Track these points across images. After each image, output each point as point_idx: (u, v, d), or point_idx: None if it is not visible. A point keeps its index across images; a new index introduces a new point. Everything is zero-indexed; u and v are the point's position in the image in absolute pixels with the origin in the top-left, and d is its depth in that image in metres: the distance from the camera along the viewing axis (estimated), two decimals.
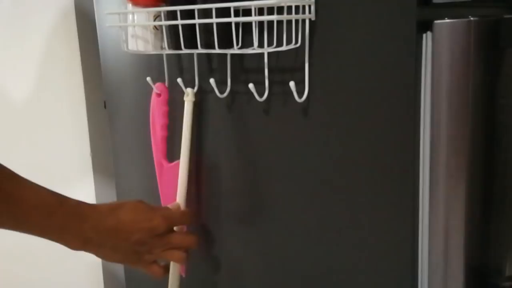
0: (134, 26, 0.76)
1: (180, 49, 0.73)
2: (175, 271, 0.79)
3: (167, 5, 0.74)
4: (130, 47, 0.78)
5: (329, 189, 0.72)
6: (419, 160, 0.66)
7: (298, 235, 0.76)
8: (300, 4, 0.66)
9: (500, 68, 0.64)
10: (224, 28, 0.69)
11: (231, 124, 0.79)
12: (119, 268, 1.12)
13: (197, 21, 0.68)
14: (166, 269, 0.77)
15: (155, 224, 0.70)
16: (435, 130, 0.63)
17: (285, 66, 0.72)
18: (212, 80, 0.75)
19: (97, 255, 0.69)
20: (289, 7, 0.67)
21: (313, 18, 0.67)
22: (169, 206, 0.77)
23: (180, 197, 0.80)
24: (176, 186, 0.84)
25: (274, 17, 0.64)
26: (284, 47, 0.67)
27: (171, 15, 0.74)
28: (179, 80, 0.80)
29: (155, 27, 0.76)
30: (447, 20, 0.60)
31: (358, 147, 0.68)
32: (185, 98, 0.80)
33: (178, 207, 0.78)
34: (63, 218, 0.63)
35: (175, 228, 0.76)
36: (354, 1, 0.65)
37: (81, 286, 1.21)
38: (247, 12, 0.69)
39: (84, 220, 0.65)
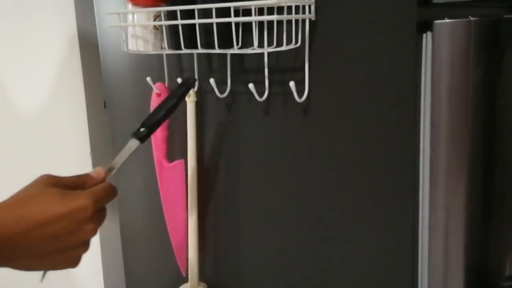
0: (134, 26, 0.76)
1: (180, 49, 0.73)
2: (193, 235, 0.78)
3: (167, 5, 0.74)
4: (130, 47, 0.78)
5: (329, 189, 0.72)
6: (419, 160, 0.66)
7: (298, 235, 0.76)
8: (300, 4, 0.66)
9: (500, 68, 0.64)
10: (224, 28, 0.69)
11: (231, 124, 0.79)
12: (119, 264, 1.12)
13: (197, 21, 0.68)
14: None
15: (77, 207, 0.53)
16: (435, 130, 0.63)
17: (285, 66, 0.72)
18: (212, 80, 0.75)
19: (14, 268, 0.53)
20: (289, 7, 0.67)
21: (313, 18, 0.67)
22: (91, 172, 0.61)
23: (191, 195, 0.81)
24: (176, 186, 0.84)
25: (274, 17, 0.64)
26: (284, 47, 0.67)
27: (171, 15, 0.74)
28: (179, 80, 0.80)
29: (155, 27, 0.76)
30: (447, 20, 0.60)
31: (358, 147, 0.68)
32: (187, 99, 0.80)
33: (102, 174, 0.62)
34: None
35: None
36: (354, 1, 0.65)
37: (81, 274, 1.21)
38: (247, 12, 0.69)
39: None
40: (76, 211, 0.53)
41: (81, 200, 0.53)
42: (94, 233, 0.55)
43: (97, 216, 0.56)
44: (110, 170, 0.62)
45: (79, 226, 0.53)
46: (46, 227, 0.51)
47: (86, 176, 0.60)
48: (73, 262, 0.55)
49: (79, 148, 1.15)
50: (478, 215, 0.66)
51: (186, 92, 0.69)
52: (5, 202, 0.53)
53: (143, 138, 0.63)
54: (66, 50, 1.11)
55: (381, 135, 0.66)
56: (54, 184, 0.55)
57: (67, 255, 0.54)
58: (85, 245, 0.55)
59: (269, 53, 0.71)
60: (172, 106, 0.66)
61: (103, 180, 0.61)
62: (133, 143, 0.63)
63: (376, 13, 0.64)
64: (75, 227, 0.53)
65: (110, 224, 1.19)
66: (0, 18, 1.14)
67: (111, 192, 0.59)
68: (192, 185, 0.82)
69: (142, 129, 0.63)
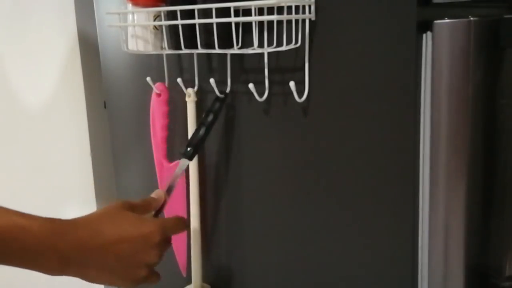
0: (134, 26, 0.76)
1: (180, 49, 0.73)
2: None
3: (167, 5, 0.74)
4: (130, 47, 0.78)
5: (329, 189, 0.72)
6: (419, 160, 0.66)
7: (299, 234, 0.76)
8: (300, 4, 0.66)
9: (500, 68, 0.64)
10: (224, 28, 0.69)
11: (231, 124, 0.79)
12: None
13: (197, 21, 0.68)
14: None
15: (146, 232, 0.60)
16: (435, 130, 0.63)
17: (285, 66, 0.72)
18: (212, 80, 0.75)
19: (82, 277, 0.58)
20: (289, 7, 0.67)
21: (313, 18, 0.67)
22: (153, 195, 0.68)
23: (193, 195, 0.81)
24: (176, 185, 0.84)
25: (274, 17, 0.64)
26: (284, 47, 0.67)
27: (171, 15, 0.74)
28: (179, 80, 0.80)
29: (155, 27, 0.76)
30: (447, 20, 0.60)
31: (358, 147, 0.68)
32: (187, 99, 0.80)
33: (162, 195, 0.68)
34: (35, 239, 0.53)
35: None
36: (354, 1, 0.65)
37: None
38: (247, 12, 0.69)
39: (60, 237, 0.55)
40: (146, 235, 0.60)
41: (153, 227, 0.60)
42: (157, 258, 0.62)
43: (163, 243, 0.62)
44: (168, 191, 0.69)
45: (146, 249, 0.60)
46: (118, 244, 0.58)
47: (150, 199, 0.68)
48: (134, 281, 0.61)
49: (79, 148, 1.15)
50: (478, 215, 0.66)
51: (221, 107, 0.75)
52: (86, 217, 0.60)
53: (191, 156, 0.72)
54: (66, 50, 1.11)
55: (381, 135, 0.66)
56: (128, 207, 0.62)
57: (129, 272, 0.60)
58: (146, 268, 0.61)
59: (269, 53, 0.71)
60: (210, 122, 0.73)
61: (165, 201, 0.68)
62: (184, 163, 0.71)
63: (376, 13, 0.64)
64: (142, 249, 0.60)
65: None
66: (0, 18, 1.14)
67: (180, 225, 0.66)
68: (194, 185, 0.82)
69: (189, 149, 0.72)
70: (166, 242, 0.63)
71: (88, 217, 0.60)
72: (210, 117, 0.73)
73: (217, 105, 0.74)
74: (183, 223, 0.67)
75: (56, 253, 0.55)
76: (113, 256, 0.58)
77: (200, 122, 0.73)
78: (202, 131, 0.72)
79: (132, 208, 0.63)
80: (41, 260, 0.55)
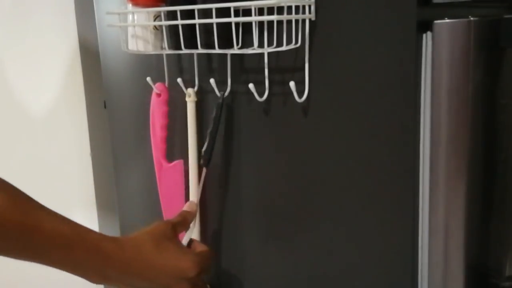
0: (134, 26, 0.76)
1: (180, 49, 0.73)
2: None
3: (167, 5, 0.74)
4: (130, 47, 0.78)
5: (329, 189, 0.72)
6: (419, 160, 0.66)
7: (298, 234, 0.76)
8: (300, 4, 0.66)
9: (500, 68, 0.64)
10: (224, 28, 0.69)
11: (231, 124, 0.79)
12: None
13: (197, 21, 0.68)
14: None
15: (184, 267, 0.65)
16: (435, 130, 0.63)
17: (285, 66, 0.72)
18: (212, 80, 0.75)
19: None
20: (289, 7, 0.67)
21: (313, 18, 0.67)
22: (185, 208, 0.75)
23: (192, 196, 0.81)
24: (175, 186, 0.84)
25: (274, 17, 0.64)
26: (284, 47, 0.67)
27: (171, 15, 0.74)
28: (179, 80, 0.80)
29: (155, 27, 0.76)
30: (447, 20, 0.60)
31: (358, 147, 0.68)
32: (187, 99, 0.80)
33: (194, 206, 0.76)
34: (84, 256, 0.59)
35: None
36: (354, 1, 0.65)
37: None
38: (247, 12, 0.69)
39: (106, 260, 0.60)
40: (183, 269, 0.65)
41: (190, 263, 0.65)
42: None
43: (196, 277, 0.66)
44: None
45: (179, 281, 0.65)
46: (156, 271, 0.63)
47: (185, 213, 0.74)
48: None
49: (79, 148, 1.15)
50: (478, 215, 0.66)
51: (220, 113, 0.77)
52: (133, 237, 0.65)
53: (208, 163, 0.77)
54: (66, 50, 1.11)
55: (381, 135, 0.66)
56: (172, 230, 0.67)
57: None
58: None
59: (269, 53, 0.71)
60: (214, 130, 0.77)
61: (196, 211, 0.76)
62: (204, 171, 0.78)
63: (376, 13, 0.64)
64: (176, 281, 0.65)
65: (110, 224, 1.19)
66: (0, 18, 1.14)
67: (210, 259, 0.71)
68: (194, 185, 0.82)
69: (208, 158, 0.77)
70: (199, 276, 0.67)
71: (135, 238, 0.65)
72: (215, 125, 0.76)
73: (217, 113, 0.76)
74: (211, 257, 0.72)
75: (101, 272, 0.61)
76: (149, 281, 0.63)
77: (208, 132, 0.77)
78: (211, 140, 0.77)
79: (174, 228, 0.68)
80: (87, 273, 0.61)
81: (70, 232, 0.59)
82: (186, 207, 0.76)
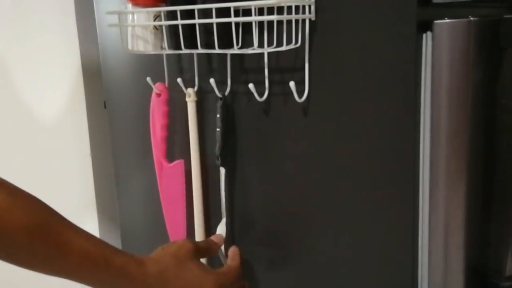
0: (134, 26, 0.76)
1: (180, 49, 0.73)
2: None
3: (167, 5, 0.74)
4: (130, 47, 0.78)
5: (329, 189, 0.72)
6: (419, 160, 0.66)
7: (298, 234, 0.76)
8: (300, 4, 0.66)
9: (500, 68, 0.64)
10: (224, 28, 0.69)
11: (231, 124, 0.79)
12: None
13: (197, 21, 0.68)
14: None
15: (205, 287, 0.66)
16: (435, 130, 0.63)
17: (285, 66, 0.72)
18: (212, 80, 0.75)
19: None
20: (289, 7, 0.67)
21: (313, 18, 0.67)
22: (213, 238, 0.76)
23: (196, 197, 0.82)
24: (175, 186, 0.84)
25: (274, 17, 0.64)
26: (284, 47, 0.67)
27: (171, 15, 0.74)
28: (179, 80, 0.80)
29: (155, 27, 0.76)
30: (447, 20, 0.60)
31: (358, 147, 0.68)
32: (187, 99, 0.80)
33: (222, 240, 0.77)
34: (109, 279, 0.60)
35: None
36: (354, 1, 0.65)
37: None
38: (247, 12, 0.69)
39: (130, 283, 0.62)
40: None
41: (212, 285, 0.66)
42: None
43: None
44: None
45: None
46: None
47: (212, 242, 0.75)
48: None
49: (79, 148, 1.15)
50: (478, 215, 0.66)
51: (225, 113, 0.78)
52: (157, 256, 0.66)
53: (225, 163, 0.79)
54: (66, 50, 1.11)
55: (381, 135, 0.66)
56: (195, 252, 0.68)
57: None
58: None
59: (269, 53, 0.71)
60: (223, 130, 0.78)
61: (221, 244, 0.77)
62: (222, 171, 0.79)
63: (376, 13, 0.64)
64: None
65: (110, 224, 1.19)
66: (0, 18, 1.14)
67: (236, 277, 0.72)
68: (196, 185, 0.82)
69: (219, 159, 0.78)
70: None
71: (160, 261, 0.65)
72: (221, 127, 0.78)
73: (223, 109, 0.77)
74: (241, 279, 0.74)
75: None
76: None
77: (221, 133, 0.78)
78: (219, 142, 0.78)
79: (197, 251, 0.68)
80: None
81: (96, 254, 0.59)
82: (214, 237, 0.76)
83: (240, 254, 0.79)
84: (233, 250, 0.79)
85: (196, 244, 0.69)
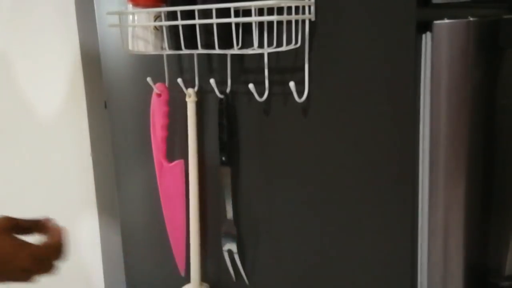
0: (134, 27, 0.76)
1: (180, 49, 0.73)
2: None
3: (167, 6, 0.74)
4: (130, 48, 0.78)
5: (329, 189, 0.72)
6: (418, 160, 0.66)
7: (297, 234, 0.76)
8: (300, 4, 0.66)
9: (499, 68, 0.64)
10: (224, 29, 0.69)
11: (231, 124, 0.79)
12: (119, 264, 1.12)
13: (197, 21, 0.68)
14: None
15: (18, 263, 0.65)
16: (435, 130, 0.63)
17: (285, 66, 0.72)
18: (212, 80, 0.75)
19: None
20: (289, 8, 0.67)
21: (313, 18, 0.68)
22: (44, 219, 0.72)
23: (192, 197, 0.82)
24: (175, 186, 0.84)
25: (274, 18, 0.64)
26: (284, 47, 0.67)
27: (172, 16, 0.74)
28: (179, 80, 0.80)
29: (155, 27, 0.76)
30: (446, 21, 0.61)
31: (358, 147, 0.68)
32: (187, 99, 0.80)
33: (57, 232, 0.71)
34: None
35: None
36: (354, 1, 0.65)
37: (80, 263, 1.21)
38: (247, 12, 0.70)
39: None
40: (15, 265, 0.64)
41: (26, 257, 0.65)
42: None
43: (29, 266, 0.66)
44: None
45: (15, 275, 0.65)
46: None
47: (38, 221, 0.72)
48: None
49: (80, 149, 1.15)
50: (477, 215, 0.66)
51: (227, 114, 0.79)
52: None
53: (231, 162, 0.80)
54: (66, 50, 1.11)
55: (380, 135, 0.66)
56: (11, 230, 0.67)
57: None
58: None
59: (269, 53, 0.71)
60: (224, 130, 0.79)
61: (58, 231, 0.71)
62: (227, 170, 0.80)
63: (375, 13, 0.64)
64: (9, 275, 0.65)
65: (110, 224, 1.19)
66: (0, 18, 1.14)
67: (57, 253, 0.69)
68: (194, 185, 0.82)
69: (223, 158, 0.79)
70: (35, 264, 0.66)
71: None
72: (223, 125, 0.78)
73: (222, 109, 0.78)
74: (62, 250, 0.70)
75: None
76: None
77: (226, 133, 0.79)
78: (223, 141, 0.79)
79: (16, 227, 0.68)
80: None
81: None
82: (45, 219, 0.73)
83: (63, 231, 0.73)
84: (54, 227, 0.74)
85: (15, 220, 0.69)
